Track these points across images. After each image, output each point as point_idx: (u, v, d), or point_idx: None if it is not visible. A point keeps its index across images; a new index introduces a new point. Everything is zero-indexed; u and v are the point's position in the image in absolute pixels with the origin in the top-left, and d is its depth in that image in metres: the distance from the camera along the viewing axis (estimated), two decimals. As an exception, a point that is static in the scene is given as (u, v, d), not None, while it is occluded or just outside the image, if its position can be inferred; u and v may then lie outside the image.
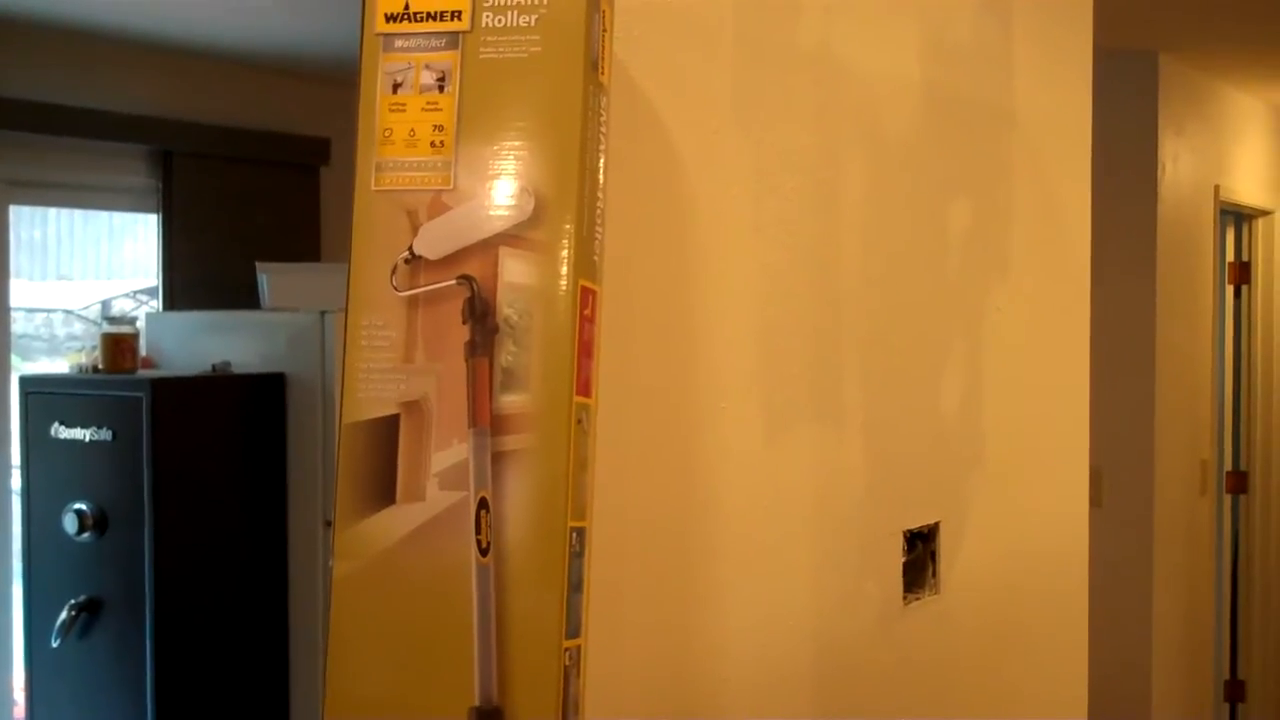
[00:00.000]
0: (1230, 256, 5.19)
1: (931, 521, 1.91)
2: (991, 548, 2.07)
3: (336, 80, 4.38)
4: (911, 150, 1.86)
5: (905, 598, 1.86)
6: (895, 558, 1.83)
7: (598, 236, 1.14)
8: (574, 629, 1.08)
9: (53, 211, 4.67)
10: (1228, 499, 5.18)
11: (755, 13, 1.55)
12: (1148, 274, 4.28)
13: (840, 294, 1.72)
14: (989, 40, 2.06)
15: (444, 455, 1.09)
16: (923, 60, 1.87)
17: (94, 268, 4.92)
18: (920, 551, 1.89)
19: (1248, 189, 5.06)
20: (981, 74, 2.05)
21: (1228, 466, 5.15)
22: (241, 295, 4.13)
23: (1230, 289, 5.19)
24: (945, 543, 1.93)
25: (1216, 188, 4.75)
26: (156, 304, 4.46)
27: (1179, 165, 4.45)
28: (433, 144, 1.12)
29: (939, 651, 1.95)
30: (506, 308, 1.09)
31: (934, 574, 1.92)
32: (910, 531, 1.87)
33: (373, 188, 1.13)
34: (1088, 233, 2.41)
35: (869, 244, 1.77)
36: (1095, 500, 2.61)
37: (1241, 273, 5.22)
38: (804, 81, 1.64)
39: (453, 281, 1.10)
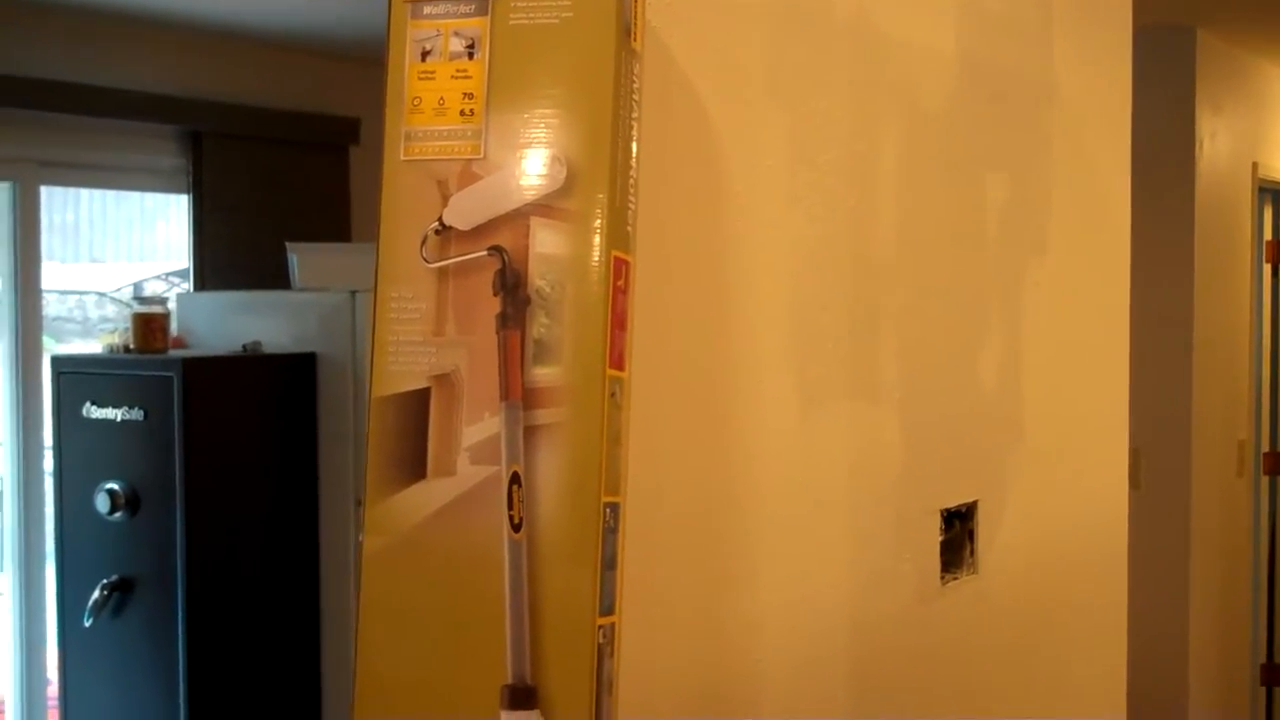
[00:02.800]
0: (1268, 235, 5.12)
1: (969, 500, 1.88)
2: (1030, 527, 2.04)
3: (366, 59, 4.36)
4: (949, 123, 1.83)
5: (943, 577, 1.83)
6: (932, 537, 1.81)
7: (631, 206, 1.12)
8: (608, 606, 1.06)
9: (84, 194, 4.69)
10: (1265, 480, 5.11)
11: (790, -19, 1.52)
12: (1185, 252, 4.23)
13: (877, 268, 1.69)
14: (1027, 13, 2.03)
15: (475, 429, 1.07)
16: (960, 32, 1.84)
17: (126, 250, 4.94)
18: (958, 531, 1.87)
19: (1286, 167, 4.99)
20: (1020, 47, 2.01)
21: (1265, 447, 5.09)
22: (272, 275, 4.13)
23: (1268, 268, 5.12)
24: (984, 522, 1.90)
25: (1255, 165, 4.69)
26: (188, 285, 4.47)
27: (1217, 142, 4.38)
28: (462, 112, 1.10)
29: (976, 632, 1.92)
30: (538, 279, 1.07)
31: (972, 554, 1.89)
32: (948, 510, 1.84)
33: (401, 157, 1.11)
34: (1128, 209, 2.37)
35: (906, 217, 1.74)
36: (1134, 482, 2.57)
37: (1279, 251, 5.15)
38: (840, 52, 1.61)
39: (483, 252, 1.08)
